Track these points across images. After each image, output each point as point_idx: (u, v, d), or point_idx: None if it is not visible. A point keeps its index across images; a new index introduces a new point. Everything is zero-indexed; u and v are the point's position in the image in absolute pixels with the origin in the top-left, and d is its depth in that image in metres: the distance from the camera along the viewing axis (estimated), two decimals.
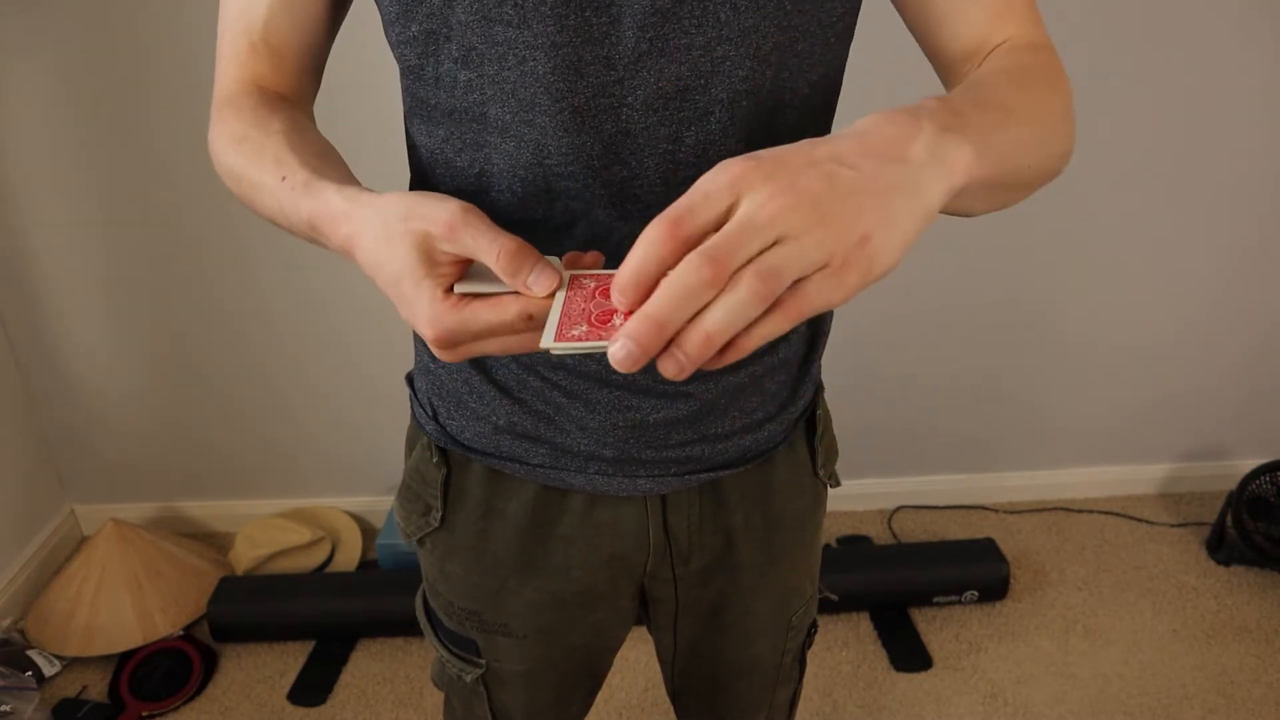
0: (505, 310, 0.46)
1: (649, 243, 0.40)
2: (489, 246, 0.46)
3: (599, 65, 0.57)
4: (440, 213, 0.47)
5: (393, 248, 0.48)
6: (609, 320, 0.44)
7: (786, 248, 0.39)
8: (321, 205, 0.53)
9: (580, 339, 0.44)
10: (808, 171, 0.40)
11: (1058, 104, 0.56)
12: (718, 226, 0.40)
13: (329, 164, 0.59)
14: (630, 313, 0.42)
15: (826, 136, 0.43)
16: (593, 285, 0.48)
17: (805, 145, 0.42)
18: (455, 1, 0.57)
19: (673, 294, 0.38)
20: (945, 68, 0.64)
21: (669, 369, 0.39)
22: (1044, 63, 0.58)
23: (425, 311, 0.48)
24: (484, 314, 0.47)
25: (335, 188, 0.54)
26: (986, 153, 0.46)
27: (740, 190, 0.39)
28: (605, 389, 0.69)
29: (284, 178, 0.56)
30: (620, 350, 0.39)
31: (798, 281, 0.39)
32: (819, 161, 0.40)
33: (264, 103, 0.63)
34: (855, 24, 0.64)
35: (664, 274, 0.40)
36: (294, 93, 0.68)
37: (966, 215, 0.53)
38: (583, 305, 0.46)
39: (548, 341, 0.44)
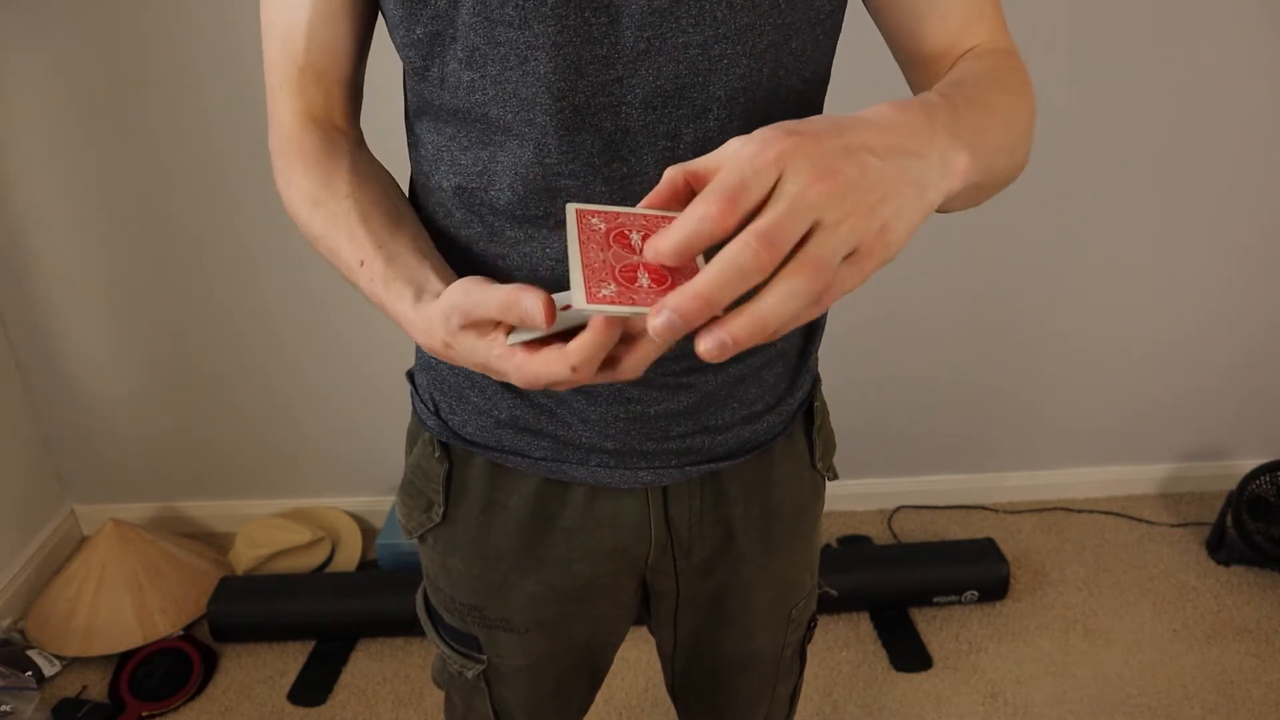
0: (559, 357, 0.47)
1: (702, 218, 0.39)
2: (490, 304, 0.48)
3: (598, 64, 0.58)
4: (448, 302, 0.51)
5: (461, 347, 0.52)
6: (634, 278, 0.44)
7: (827, 234, 0.39)
8: (401, 316, 0.57)
9: (612, 300, 0.42)
10: (844, 157, 0.40)
11: (1028, 109, 0.58)
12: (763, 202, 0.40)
13: (399, 231, 0.61)
14: (659, 269, 0.43)
15: (848, 118, 0.44)
16: (603, 227, 0.46)
17: (832, 126, 0.42)
18: (460, 3, 0.57)
19: (727, 274, 0.38)
20: (917, 67, 0.66)
21: (711, 348, 0.39)
22: (1015, 69, 0.60)
23: (509, 371, 0.50)
24: (532, 365, 0.48)
25: (411, 295, 0.56)
26: (978, 158, 0.48)
27: (784, 167, 0.39)
28: (605, 383, 0.69)
29: (362, 262, 0.60)
30: (663, 322, 0.38)
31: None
32: (853, 149, 0.41)
33: (326, 152, 0.65)
34: (842, 22, 0.65)
35: (708, 246, 0.40)
36: (343, 117, 0.69)
37: (941, 212, 0.55)
38: (600, 255, 0.45)
39: (579, 302, 0.42)
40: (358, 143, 0.70)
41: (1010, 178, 0.58)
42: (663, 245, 0.41)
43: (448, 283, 0.57)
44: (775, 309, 0.38)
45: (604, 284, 0.43)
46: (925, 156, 0.44)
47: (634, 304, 0.42)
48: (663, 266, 0.44)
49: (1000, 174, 0.55)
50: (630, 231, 0.46)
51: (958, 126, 0.47)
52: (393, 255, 0.59)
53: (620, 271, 0.44)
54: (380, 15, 0.67)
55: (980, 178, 0.50)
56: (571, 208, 0.47)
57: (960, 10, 0.62)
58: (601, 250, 0.45)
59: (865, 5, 0.67)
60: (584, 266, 0.44)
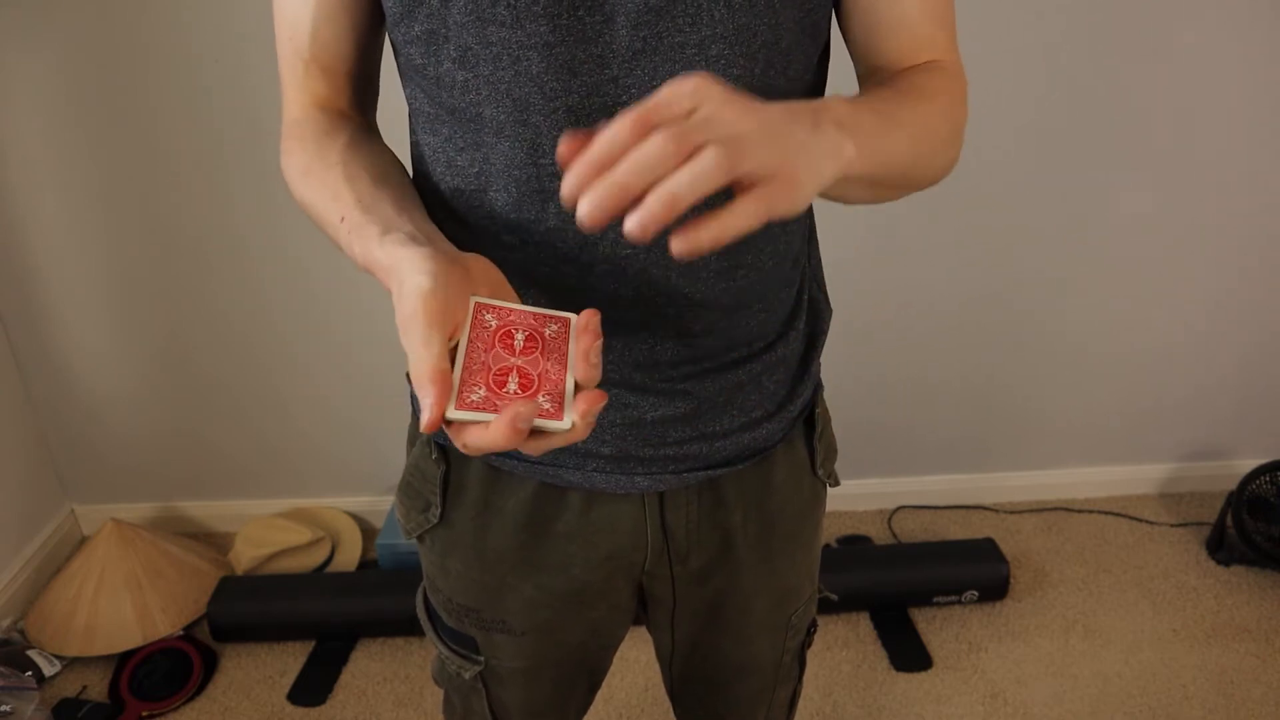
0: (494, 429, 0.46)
1: (615, 130, 0.43)
2: (415, 354, 0.47)
3: (593, 64, 0.57)
4: (403, 300, 0.49)
5: (415, 331, 0.49)
6: (505, 382, 0.48)
7: (738, 135, 0.44)
8: (368, 257, 0.55)
9: (479, 407, 0.46)
10: (754, 105, 0.46)
11: (946, 128, 0.63)
12: None
13: (383, 191, 0.60)
14: (528, 374, 0.48)
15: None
16: (494, 324, 0.50)
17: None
18: (452, 2, 0.57)
19: (636, 162, 0.42)
20: (870, 79, 0.69)
21: (633, 227, 0.42)
22: (949, 90, 0.64)
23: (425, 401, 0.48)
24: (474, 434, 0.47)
25: (378, 238, 0.54)
26: (869, 153, 0.52)
27: (700, 99, 0.44)
28: (603, 387, 0.69)
29: (342, 218, 0.58)
30: (584, 209, 0.42)
31: (755, 185, 0.44)
32: (758, 108, 0.46)
33: (325, 130, 0.66)
34: (828, 27, 0.66)
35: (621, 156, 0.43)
36: (351, 106, 0.70)
37: (844, 202, 0.59)
38: (482, 356, 0.48)
39: (450, 410, 0.45)
40: (363, 126, 0.70)
41: (929, 181, 0.63)
42: (581, 159, 0.44)
43: (420, 229, 0.56)
44: (683, 184, 0.42)
45: (475, 389, 0.47)
46: (817, 131, 0.48)
47: (496, 410, 0.46)
48: (532, 372, 0.49)
49: (909, 178, 0.61)
50: (516, 331, 0.50)
51: (851, 123, 0.51)
52: (369, 207, 0.58)
53: (494, 375, 0.48)
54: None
55: (873, 172, 0.54)
56: (473, 300, 0.50)
57: (914, 31, 0.65)
58: (485, 350, 0.49)
59: (838, 22, 0.69)
60: (464, 369, 0.47)
